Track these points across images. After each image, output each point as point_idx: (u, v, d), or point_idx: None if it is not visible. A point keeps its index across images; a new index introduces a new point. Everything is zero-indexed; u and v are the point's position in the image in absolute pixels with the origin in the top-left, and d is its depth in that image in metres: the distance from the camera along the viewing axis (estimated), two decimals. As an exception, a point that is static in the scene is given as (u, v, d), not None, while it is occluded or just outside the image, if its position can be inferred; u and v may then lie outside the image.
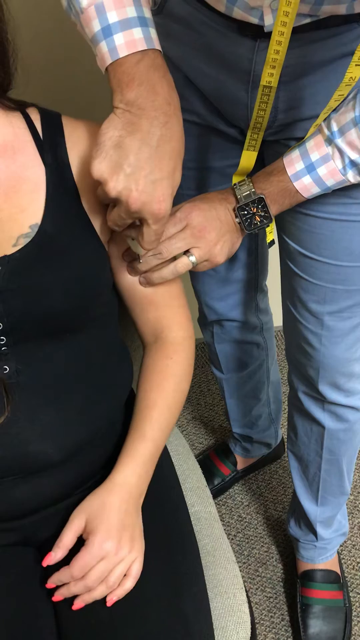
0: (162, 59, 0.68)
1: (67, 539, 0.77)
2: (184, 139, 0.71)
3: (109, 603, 0.75)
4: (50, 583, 0.76)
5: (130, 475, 0.79)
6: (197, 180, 1.04)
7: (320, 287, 0.96)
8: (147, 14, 0.67)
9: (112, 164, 0.68)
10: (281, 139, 0.89)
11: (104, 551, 0.74)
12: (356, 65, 0.72)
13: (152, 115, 0.67)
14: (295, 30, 0.72)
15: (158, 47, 0.68)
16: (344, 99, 0.76)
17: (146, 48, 0.66)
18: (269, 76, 0.75)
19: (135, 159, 0.67)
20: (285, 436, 1.61)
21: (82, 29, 0.69)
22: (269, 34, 0.75)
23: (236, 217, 0.85)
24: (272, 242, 0.96)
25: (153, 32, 0.67)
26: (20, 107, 0.78)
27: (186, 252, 0.82)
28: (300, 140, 0.84)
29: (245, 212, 0.84)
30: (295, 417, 1.21)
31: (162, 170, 0.68)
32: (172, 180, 0.69)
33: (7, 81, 0.76)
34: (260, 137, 0.85)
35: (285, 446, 1.60)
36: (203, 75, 0.88)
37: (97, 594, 0.74)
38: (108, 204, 0.76)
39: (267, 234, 0.94)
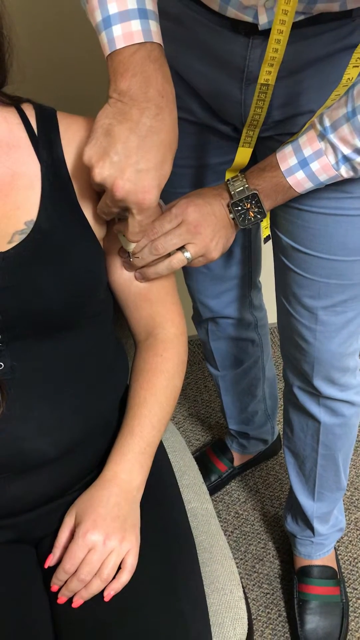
0: (160, 51, 0.68)
1: (62, 538, 0.78)
2: (176, 132, 0.71)
3: (106, 598, 0.74)
4: (54, 585, 0.76)
5: (120, 471, 0.79)
6: (191, 178, 1.04)
7: (314, 282, 0.97)
8: (150, 5, 0.67)
9: (100, 151, 0.68)
10: (274, 135, 0.89)
11: (90, 542, 0.74)
12: (354, 67, 0.73)
13: (143, 106, 0.67)
14: None
15: (157, 39, 0.68)
16: None
17: (143, 41, 0.66)
18: (267, 74, 0.75)
19: (123, 147, 0.67)
20: (282, 432, 1.61)
21: (90, 19, 0.69)
22: (263, 31, 0.76)
23: (230, 212, 0.85)
24: (268, 237, 0.96)
25: (153, 24, 0.67)
26: (15, 102, 0.78)
27: (181, 248, 0.82)
28: (291, 135, 0.84)
29: (239, 208, 0.84)
30: (290, 413, 1.21)
31: (149, 160, 0.68)
32: (160, 171, 0.69)
33: (2, 77, 0.76)
34: (255, 134, 0.85)
35: (282, 442, 1.60)
36: (195, 73, 0.88)
37: (93, 589, 0.74)
38: (101, 194, 0.76)
39: (263, 229, 0.94)
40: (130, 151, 0.67)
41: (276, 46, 0.71)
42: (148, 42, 0.67)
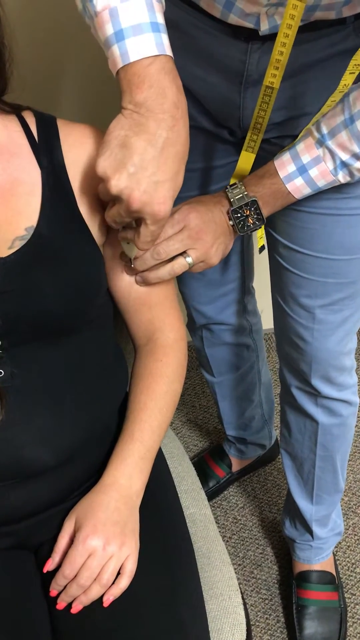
0: (172, 63, 0.69)
1: (61, 543, 0.77)
2: (188, 143, 0.71)
3: (105, 603, 0.74)
4: (53, 590, 0.76)
5: (120, 476, 0.79)
6: (193, 181, 1.05)
7: (312, 281, 0.98)
8: (160, 19, 0.68)
9: (116, 163, 0.68)
10: (271, 138, 0.90)
11: (90, 547, 0.74)
12: (350, 73, 0.74)
13: (160, 118, 0.67)
14: None
15: (169, 52, 0.68)
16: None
17: (157, 53, 0.67)
18: (272, 77, 0.76)
19: (140, 159, 0.67)
20: (279, 436, 1.61)
21: (95, 32, 0.70)
22: (263, 37, 0.77)
23: (230, 219, 0.86)
24: (263, 247, 0.96)
25: (165, 37, 0.68)
26: (15, 110, 0.79)
27: (183, 253, 0.83)
28: (288, 137, 0.85)
29: (239, 215, 0.85)
30: (288, 414, 1.22)
31: (165, 172, 0.68)
32: (175, 182, 0.70)
33: (2, 85, 0.76)
34: (259, 138, 0.86)
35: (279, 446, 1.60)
36: (193, 77, 0.88)
37: (93, 594, 0.74)
38: (107, 203, 0.76)
39: (258, 239, 0.95)
40: (146, 163, 0.67)
41: (282, 49, 0.72)
42: (162, 55, 0.67)
